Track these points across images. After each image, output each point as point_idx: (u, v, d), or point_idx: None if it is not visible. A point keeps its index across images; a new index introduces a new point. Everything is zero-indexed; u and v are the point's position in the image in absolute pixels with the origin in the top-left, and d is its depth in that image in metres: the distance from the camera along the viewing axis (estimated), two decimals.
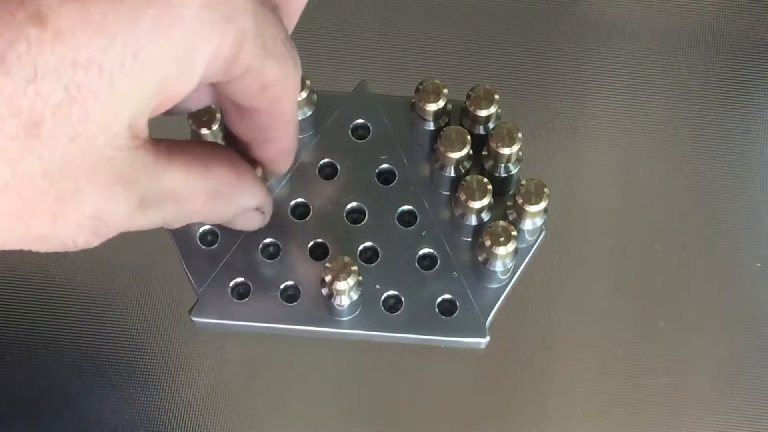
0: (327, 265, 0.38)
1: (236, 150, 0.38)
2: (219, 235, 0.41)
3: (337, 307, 0.39)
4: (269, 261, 0.41)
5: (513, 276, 0.41)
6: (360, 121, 0.43)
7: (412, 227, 0.41)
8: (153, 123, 0.46)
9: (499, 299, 0.41)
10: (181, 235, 0.41)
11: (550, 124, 0.47)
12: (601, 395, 0.42)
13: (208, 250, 0.41)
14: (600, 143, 0.47)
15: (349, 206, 0.42)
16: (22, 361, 0.42)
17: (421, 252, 0.41)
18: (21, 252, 0.43)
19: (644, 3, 0.50)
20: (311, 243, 0.41)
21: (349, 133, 0.43)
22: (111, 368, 0.42)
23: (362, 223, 0.41)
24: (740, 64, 0.49)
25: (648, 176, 0.46)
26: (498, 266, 0.39)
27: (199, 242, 0.41)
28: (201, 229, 0.41)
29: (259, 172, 0.37)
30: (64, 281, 0.43)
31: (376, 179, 0.42)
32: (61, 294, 0.43)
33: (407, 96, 0.42)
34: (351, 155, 0.43)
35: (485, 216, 0.40)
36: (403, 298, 0.40)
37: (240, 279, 0.41)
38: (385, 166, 0.42)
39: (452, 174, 0.41)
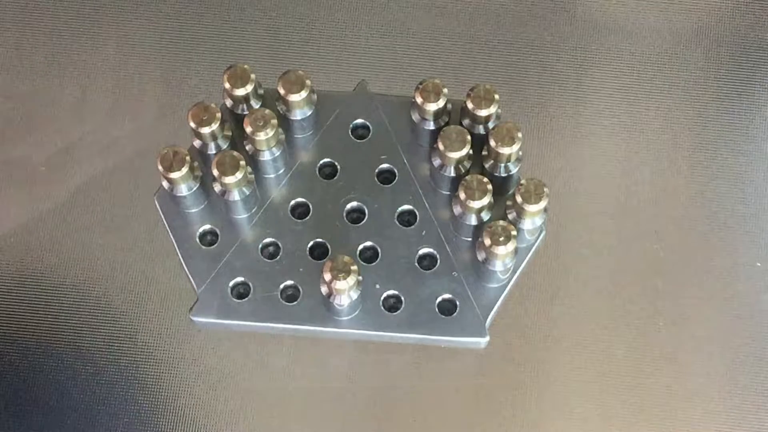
0: (327, 264, 0.37)
1: (241, 153, 0.39)
2: (219, 234, 0.41)
3: (337, 306, 0.39)
4: (269, 261, 0.41)
5: (513, 276, 0.41)
6: (360, 121, 0.43)
7: (412, 227, 0.41)
8: (155, 123, 0.47)
9: (499, 299, 0.41)
10: (181, 235, 0.42)
11: (550, 123, 0.47)
12: (601, 395, 0.42)
13: (208, 250, 0.41)
14: (600, 143, 0.47)
15: (349, 206, 0.42)
16: (20, 362, 0.42)
17: (421, 252, 0.41)
18: (20, 252, 0.44)
19: (644, 3, 0.50)
20: (311, 243, 0.41)
21: (350, 132, 0.43)
22: (111, 368, 0.42)
23: (362, 223, 0.41)
24: (740, 64, 0.49)
25: (648, 176, 0.46)
26: (498, 266, 0.39)
27: (198, 242, 0.41)
28: (201, 229, 0.41)
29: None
30: (64, 282, 0.43)
31: (376, 179, 0.42)
32: (60, 295, 0.43)
33: (407, 96, 0.42)
34: (351, 155, 0.43)
35: (485, 215, 0.40)
36: (403, 298, 0.40)
37: (240, 279, 0.41)
38: (385, 165, 0.42)
39: (452, 173, 0.41)
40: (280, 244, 0.41)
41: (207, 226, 0.42)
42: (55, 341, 0.42)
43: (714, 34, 0.49)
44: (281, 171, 0.42)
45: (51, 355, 0.42)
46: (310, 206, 0.42)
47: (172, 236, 0.42)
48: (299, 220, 0.41)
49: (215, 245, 0.41)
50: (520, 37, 0.49)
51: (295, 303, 0.40)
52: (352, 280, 0.37)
